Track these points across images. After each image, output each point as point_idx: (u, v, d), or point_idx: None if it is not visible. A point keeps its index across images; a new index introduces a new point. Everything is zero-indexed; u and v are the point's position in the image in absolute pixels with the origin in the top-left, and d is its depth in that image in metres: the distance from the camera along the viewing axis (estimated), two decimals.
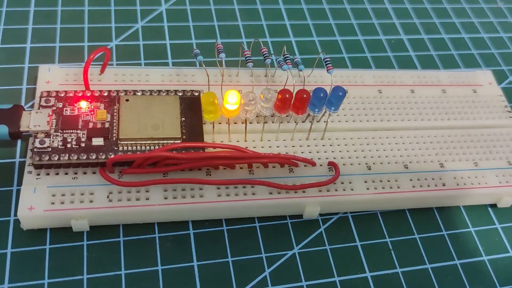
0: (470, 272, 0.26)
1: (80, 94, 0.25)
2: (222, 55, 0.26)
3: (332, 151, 0.27)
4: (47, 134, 0.24)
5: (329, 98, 0.25)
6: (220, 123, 0.27)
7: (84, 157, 0.23)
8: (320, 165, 0.26)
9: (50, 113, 0.24)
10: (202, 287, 0.23)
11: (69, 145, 0.24)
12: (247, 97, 0.24)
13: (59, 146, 0.24)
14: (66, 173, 0.24)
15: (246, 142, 0.27)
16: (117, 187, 0.23)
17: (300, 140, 0.27)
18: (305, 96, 0.25)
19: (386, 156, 0.27)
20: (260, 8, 0.36)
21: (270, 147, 0.27)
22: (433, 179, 0.27)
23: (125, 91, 0.26)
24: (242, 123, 0.27)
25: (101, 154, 0.24)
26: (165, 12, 0.34)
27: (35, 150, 0.23)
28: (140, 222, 0.25)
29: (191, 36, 0.33)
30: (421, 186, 0.27)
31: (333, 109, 0.26)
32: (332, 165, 0.26)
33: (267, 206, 0.25)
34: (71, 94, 0.25)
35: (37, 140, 0.23)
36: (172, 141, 0.24)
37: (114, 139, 0.24)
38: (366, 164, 0.27)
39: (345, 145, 0.27)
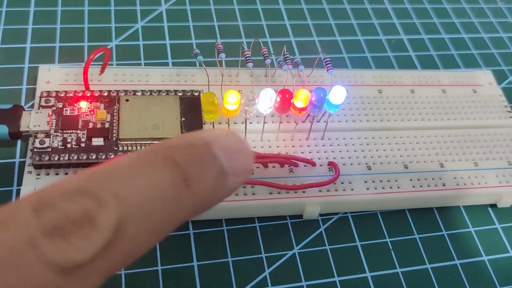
0: (470, 272, 0.26)
1: (80, 94, 0.25)
2: (222, 55, 0.26)
3: (332, 151, 0.27)
4: (47, 134, 0.24)
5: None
6: (220, 123, 0.26)
7: (84, 157, 0.23)
8: (320, 165, 0.26)
9: (50, 113, 0.24)
10: (202, 287, 0.23)
11: (69, 145, 0.24)
12: (247, 97, 0.24)
13: (59, 146, 0.24)
14: (66, 173, 0.24)
15: None
16: None
17: (300, 140, 0.27)
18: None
19: (386, 156, 0.27)
20: (260, 8, 0.36)
21: (270, 147, 0.27)
22: (433, 179, 0.27)
23: (125, 91, 0.26)
24: (242, 123, 0.27)
25: (101, 154, 0.24)
26: (165, 12, 0.34)
27: (35, 150, 0.23)
28: None
29: (191, 36, 0.33)
30: (421, 186, 0.27)
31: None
32: (332, 165, 0.26)
33: (267, 206, 0.25)
34: (71, 94, 0.25)
35: (37, 140, 0.23)
36: None
37: (114, 139, 0.24)
38: (366, 164, 0.27)
39: (345, 145, 0.27)
